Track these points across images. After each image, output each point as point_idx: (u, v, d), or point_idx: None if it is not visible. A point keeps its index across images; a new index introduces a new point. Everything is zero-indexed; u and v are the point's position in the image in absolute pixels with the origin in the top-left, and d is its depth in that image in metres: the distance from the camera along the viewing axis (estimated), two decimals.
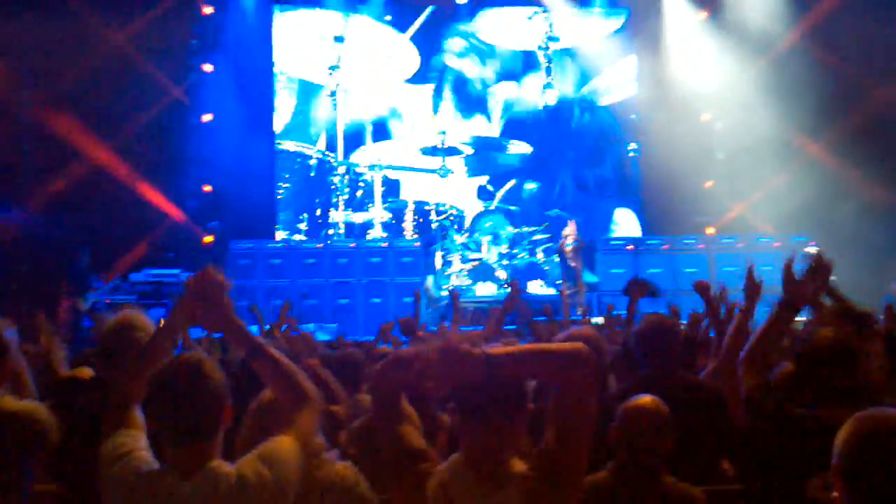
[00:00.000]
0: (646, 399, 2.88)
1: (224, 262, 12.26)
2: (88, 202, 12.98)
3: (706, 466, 3.31)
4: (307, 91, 15.26)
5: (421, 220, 14.53)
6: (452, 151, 14.28)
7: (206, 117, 13.86)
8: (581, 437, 2.11)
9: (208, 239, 13.51)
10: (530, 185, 15.54)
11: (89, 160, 13.20)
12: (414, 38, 15.39)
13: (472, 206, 14.73)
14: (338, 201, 14.60)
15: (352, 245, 12.98)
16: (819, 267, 3.56)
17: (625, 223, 15.56)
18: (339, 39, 14.91)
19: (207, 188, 13.72)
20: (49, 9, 12.86)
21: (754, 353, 3.31)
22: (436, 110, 15.58)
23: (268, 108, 14.82)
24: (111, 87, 13.16)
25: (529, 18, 15.49)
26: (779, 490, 2.92)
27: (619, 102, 15.79)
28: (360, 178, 14.85)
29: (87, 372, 3.75)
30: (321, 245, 13.00)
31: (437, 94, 15.62)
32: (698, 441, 3.20)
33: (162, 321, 2.89)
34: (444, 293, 12.81)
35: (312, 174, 14.83)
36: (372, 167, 14.77)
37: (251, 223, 13.80)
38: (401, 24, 15.36)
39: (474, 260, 13.56)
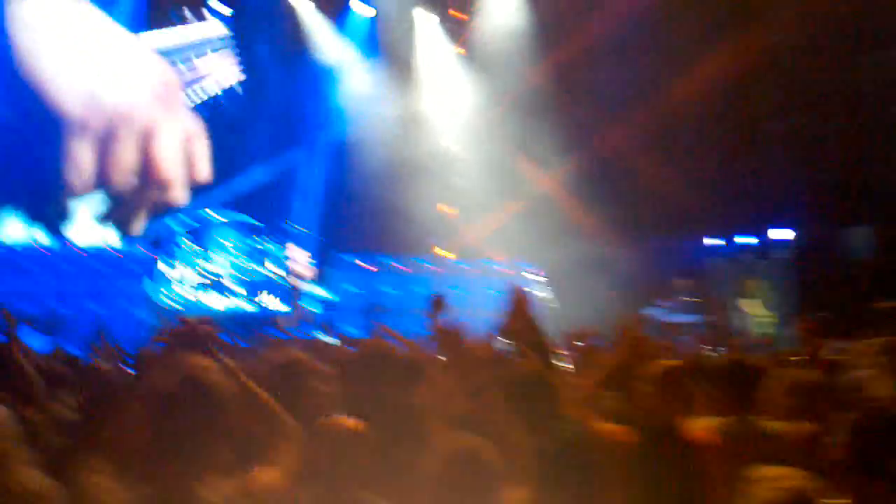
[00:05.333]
0: (347, 422, 2.98)
1: None
2: None
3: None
4: None
5: None
6: None
7: None
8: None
9: None
10: None
11: None
12: None
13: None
14: None
15: (70, 248, 12.06)
16: (518, 301, 3.81)
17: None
18: None
19: None
20: None
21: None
22: None
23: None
24: None
25: None
26: None
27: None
28: None
29: None
30: (35, 247, 11.95)
31: None
32: (402, 461, 3.26)
33: None
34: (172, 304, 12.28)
35: None
36: None
37: None
38: None
39: (207, 271, 13.09)
